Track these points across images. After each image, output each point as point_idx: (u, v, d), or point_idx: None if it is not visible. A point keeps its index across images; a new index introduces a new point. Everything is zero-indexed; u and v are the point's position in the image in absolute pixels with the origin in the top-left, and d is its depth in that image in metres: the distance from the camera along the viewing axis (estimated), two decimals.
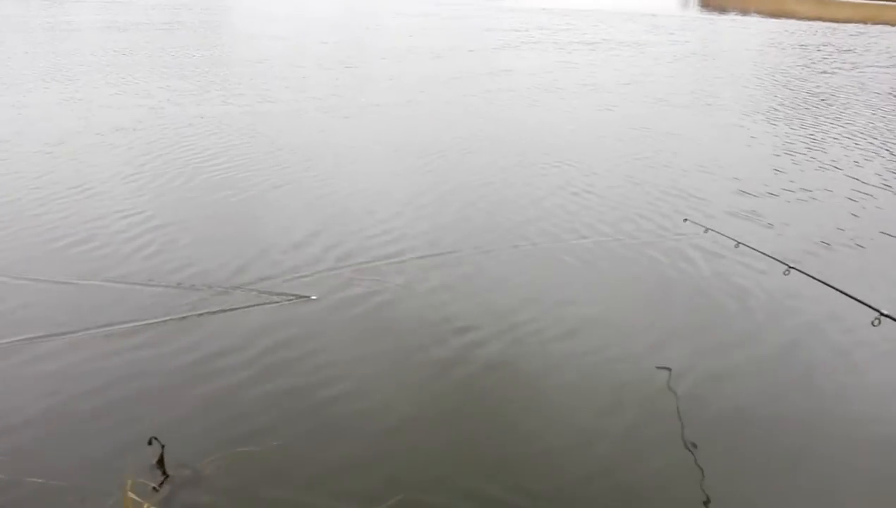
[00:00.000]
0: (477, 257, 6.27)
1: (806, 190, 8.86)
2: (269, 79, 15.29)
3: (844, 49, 24.02)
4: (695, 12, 43.77)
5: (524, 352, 4.75)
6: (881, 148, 11.27)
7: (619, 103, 14.30)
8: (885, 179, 9.45)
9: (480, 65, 18.87)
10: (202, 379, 4.29)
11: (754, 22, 36.34)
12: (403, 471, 3.64)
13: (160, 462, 3.52)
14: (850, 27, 31.78)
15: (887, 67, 20.21)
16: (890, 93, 16.11)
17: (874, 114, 14.01)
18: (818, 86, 16.74)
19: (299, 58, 18.76)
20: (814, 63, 20.71)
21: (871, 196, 8.70)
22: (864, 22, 33.88)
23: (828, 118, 13.40)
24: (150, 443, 3.56)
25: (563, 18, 34.37)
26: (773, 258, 4.88)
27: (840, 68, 19.77)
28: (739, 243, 5.12)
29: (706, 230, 5.84)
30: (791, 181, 9.22)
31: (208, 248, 6.16)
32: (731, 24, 36.36)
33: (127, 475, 3.37)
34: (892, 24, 33.35)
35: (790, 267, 4.34)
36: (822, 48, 24.15)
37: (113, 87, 13.52)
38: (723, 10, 43.88)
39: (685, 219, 6.64)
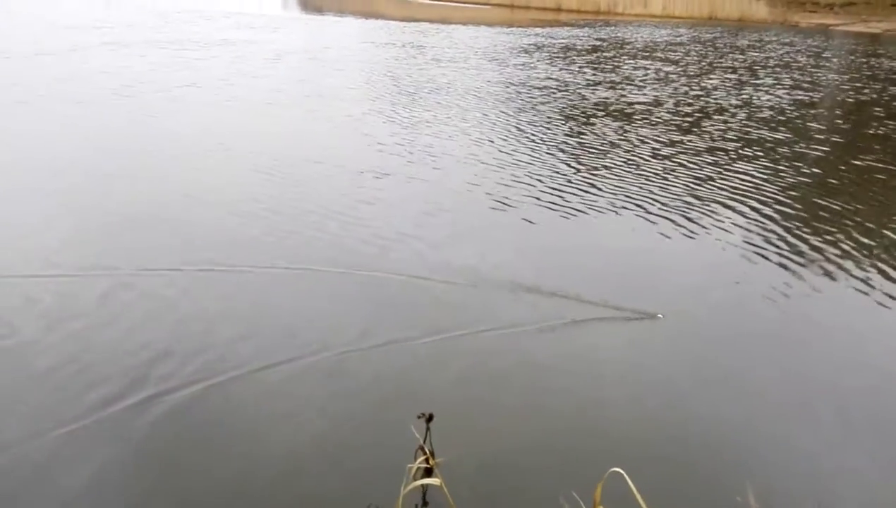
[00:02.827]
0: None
1: (452, 155, 11.84)
2: None
3: (431, 46, 28.90)
4: (296, 12, 46.77)
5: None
6: (491, 121, 14.94)
7: (250, 98, 16.08)
8: (513, 147, 12.87)
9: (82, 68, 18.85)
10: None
11: (352, 22, 40.62)
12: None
13: None
14: (428, 25, 37.72)
15: (466, 58, 25.18)
16: (479, 80, 20.55)
17: (473, 95, 17.97)
18: (428, 79, 20.45)
19: None
20: (412, 56, 24.79)
21: (487, 163, 11.99)
22: (440, 21, 40.40)
23: (440, 103, 16.85)
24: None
25: (168, 17, 34.13)
26: None
27: (435, 60, 24.07)
28: None
29: None
30: (435, 153, 12.09)
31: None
32: (332, 23, 40.11)
33: None
34: (457, 23, 40.33)
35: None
36: (414, 45, 28.72)
37: None
38: (320, 10, 47.64)
39: None
